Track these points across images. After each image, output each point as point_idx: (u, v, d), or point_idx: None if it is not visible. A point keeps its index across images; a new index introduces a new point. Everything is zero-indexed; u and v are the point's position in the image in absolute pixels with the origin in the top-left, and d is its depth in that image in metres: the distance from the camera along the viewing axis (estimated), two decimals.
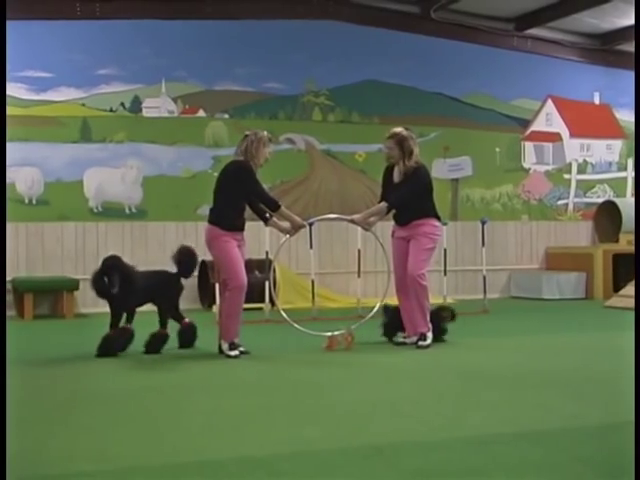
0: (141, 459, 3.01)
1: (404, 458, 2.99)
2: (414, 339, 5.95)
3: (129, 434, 3.38)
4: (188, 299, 9.48)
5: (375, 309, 6.10)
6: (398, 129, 5.91)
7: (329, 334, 5.84)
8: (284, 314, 5.92)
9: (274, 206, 5.57)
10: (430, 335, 5.93)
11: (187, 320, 6.00)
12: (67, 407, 3.98)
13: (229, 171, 5.55)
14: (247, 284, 5.47)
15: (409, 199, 5.86)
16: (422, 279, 5.83)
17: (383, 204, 5.92)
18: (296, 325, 5.96)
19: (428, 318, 5.91)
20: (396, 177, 5.97)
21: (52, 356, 5.76)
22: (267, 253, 7.93)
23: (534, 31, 11.09)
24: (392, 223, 6.14)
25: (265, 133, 5.61)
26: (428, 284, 5.91)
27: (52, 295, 8.82)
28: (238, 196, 5.51)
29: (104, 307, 9.09)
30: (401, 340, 6.04)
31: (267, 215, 5.77)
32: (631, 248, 9.82)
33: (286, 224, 5.81)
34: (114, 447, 3.17)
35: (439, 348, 5.82)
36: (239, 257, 5.46)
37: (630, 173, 11.88)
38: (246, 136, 5.60)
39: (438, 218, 6.01)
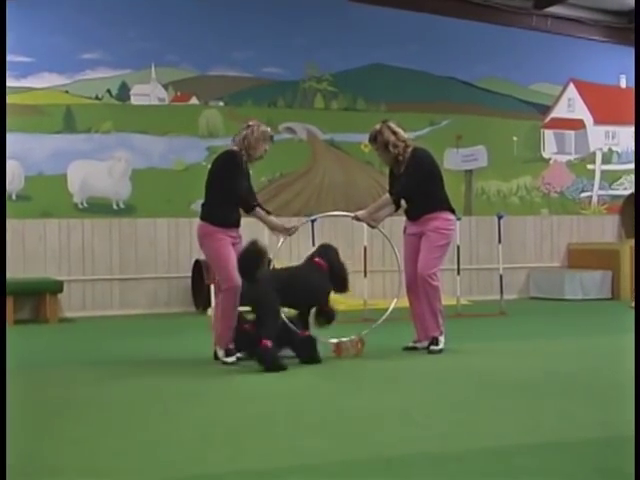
0: (133, 472, 3.03)
1: (415, 470, 3.01)
2: (425, 344, 5.97)
3: (120, 446, 3.40)
4: (181, 301, 9.53)
5: (388, 312, 6.10)
6: (372, 129, 6.00)
7: (335, 340, 5.86)
8: (285, 318, 5.93)
9: (247, 206, 5.58)
10: (442, 339, 5.94)
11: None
12: (54, 417, 4.00)
13: (218, 161, 5.63)
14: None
15: (414, 187, 5.87)
16: (433, 279, 5.84)
17: (387, 195, 5.99)
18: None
19: (441, 321, 5.93)
20: (398, 169, 6.01)
21: (36, 364, 5.78)
22: (272, 259, 7.93)
23: (554, 9, 11.07)
24: (402, 218, 6.16)
25: (269, 129, 5.70)
26: (440, 284, 5.93)
27: (34, 298, 8.84)
28: (228, 187, 5.52)
29: (90, 311, 9.21)
30: (411, 345, 6.06)
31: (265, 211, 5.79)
32: None
33: (288, 222, 5.87)
34: (104, 459, 3.19)
35: (453, 353, 5.84)
36: (232, 256, 5.47)
37: None
38: (248, 126, 5.65)
39: (452, 211, 6.02)
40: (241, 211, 5.68)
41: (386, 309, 6.15)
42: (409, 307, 6.06)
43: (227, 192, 5.53)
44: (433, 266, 5.85)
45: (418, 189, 5.87)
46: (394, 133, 5.92)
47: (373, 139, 5.98)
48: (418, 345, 6.03)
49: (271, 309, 5.28)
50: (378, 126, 5.98)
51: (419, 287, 5.87)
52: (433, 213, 5.89)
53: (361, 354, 5.81)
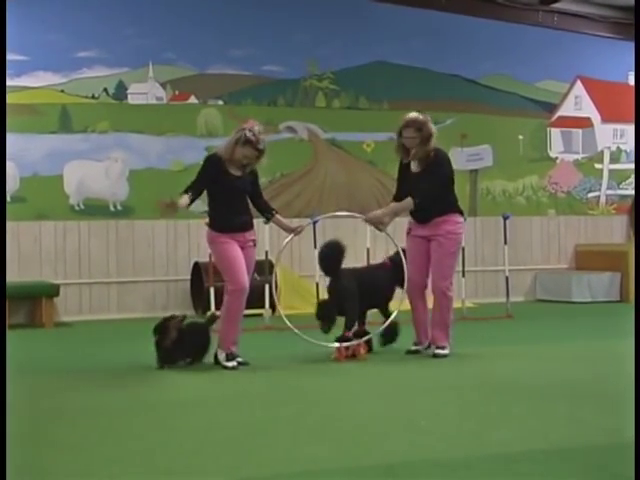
0: None
1: (420, 478, 2.99)
2: (426, 344, 6.02)
3: (116, 453, 3.39)
4: (180, 305, 9.51)
5: (392, 316, 6.09)
6: (414, 114, 5.81)
7: (337, 345, 5.84)
8: (287, 321, 5.92)
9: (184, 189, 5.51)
10: (448, 346, 5.95)
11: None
12: (50, 424, 3.99)
13: None
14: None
15: (438, 192, 5.76)
16: (449, 290, 5.85)
17: (409, 200, 5.76)
18: (300, 333, 5.93)
19: (450, 333, 5.94)
20: (414, 167, 5.90)
21: (32, 369, 5.77)
22: (267, 253, 7.93)
23: (561, 5, 11.06)
24: (404, 219, 6.13)
25: (246, 133, 5.41)
26: (454, 294, 5.96)
27: (29, 302, 8.83)
28: (219, 191, 5.53)
29: (87, 315, 9.19)
30: (414, 348, 6.05)
31: (271, 213, 5.77)
32: None
33: (289, 223, 5.86)
34: (100, 467, 3.18)
35: (458, 357, 5.83)
36: (238, 258, 5.47)
37: None
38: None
39: (461, 213, 5.97)
40: (253, 213, 5.69)
41: (390, 312, 6.16)
42: (411, 310, 6.05)
43: (210, 196, 5.57)
44: (449, 276, 5.86)
45: (438, 192, 5.79)
46: (433, 129, 5.85)
47: (419, 128, 5.73)
48: (420, 348, 6.03)
49: (354, 303, 5.87)
50: (422, 116, 5.79)
51: (435, 298, 5.88)
52: (444, 216, 5.83)
53: (364, 359, 5.79)
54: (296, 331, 5.90)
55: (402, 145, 5.86)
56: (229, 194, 5.55)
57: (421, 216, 5.90)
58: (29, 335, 8.03)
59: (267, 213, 5.78)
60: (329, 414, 4.12)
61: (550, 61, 11.22)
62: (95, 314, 9.22)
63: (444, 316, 5.87)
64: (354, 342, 5.87)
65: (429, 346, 5.97)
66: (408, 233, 6.03)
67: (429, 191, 5.73)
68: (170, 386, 5.00)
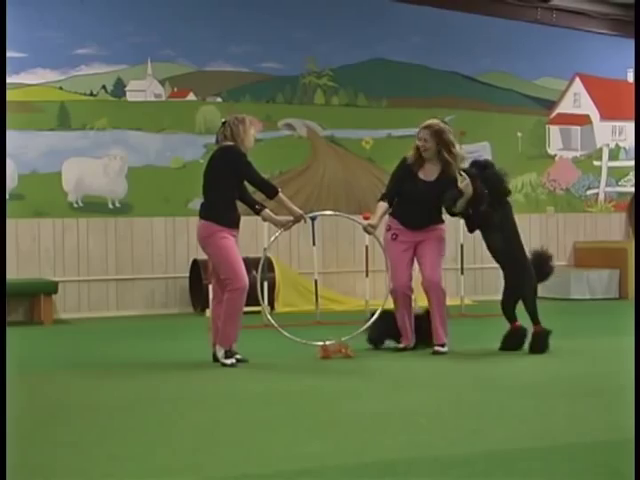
0: (129, 478, 3.01)
1: (420, 475, 3.00)
2: (411, 345, 6.05)
3: (116, 450, 3.39)
4: (179, 302, 9.51)
5: (375, 315, 6.09)
6: (435, 121, 5.94)
7: (320, 343, 5.84)
8: (270, 318, 5.97)
9: (272, 192, 5.58)
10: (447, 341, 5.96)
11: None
12: (49, 422, 4.00)
13: (219, 157, 5.58)
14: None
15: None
16: (441, 284, 5.99)
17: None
18: (284, 332, 5.90)
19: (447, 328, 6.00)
20: (426, 175, 5.95)
21: (31, 367, 5.77)
22: (265, 251, 7.92)
23: (559, 1, 11.04)
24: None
25: (240, 117, 5.67)
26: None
27: (28, 299, 8.83)
28: (232, 185, 5.53)
29: (86, 312, 9.19)
30: (401, 346, 6.08)
31: (258, 206, 5.75)
32: None
33: (280, 217, 5.83)
34: (100, 464, 3.18)
35: (457, 354, 5.83)
36: (239, 255, 5.49)
37: None
38: (224, 123, 5.63)
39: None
40: (240, 210, 5.68)
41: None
42: (397, 313, 6.06)
43: (233, 188, 5.53)
44: (441, 271, 6.03)
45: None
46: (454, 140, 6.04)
47: (434, 132, 5.88)
48: (407, 346, 6.07)
49: None
50: (442, 125, 5.96)
51: (431, 294, 5.94)
52: (438, 224, 6.05)
53: (353, 356, 5.78)
54: (281, 331, 5.89)
55: (416, 147, 5.93)
56: (239, 186, 5.56)
57: (416, 222, 5.97)
58: (28, 332, 8.02)
59: (257, 206, 5.75)
60: (328, 411, 4.12)
61: (549, 58, 11.21)
62: (94, 311, 9.21)
63: (442, 310, 5.96)
64: (333, 342, 5.85)
65: (436, 346, 5.96)
66: (394, 238, 6.01)
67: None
68: (169, 383, 5.00)
